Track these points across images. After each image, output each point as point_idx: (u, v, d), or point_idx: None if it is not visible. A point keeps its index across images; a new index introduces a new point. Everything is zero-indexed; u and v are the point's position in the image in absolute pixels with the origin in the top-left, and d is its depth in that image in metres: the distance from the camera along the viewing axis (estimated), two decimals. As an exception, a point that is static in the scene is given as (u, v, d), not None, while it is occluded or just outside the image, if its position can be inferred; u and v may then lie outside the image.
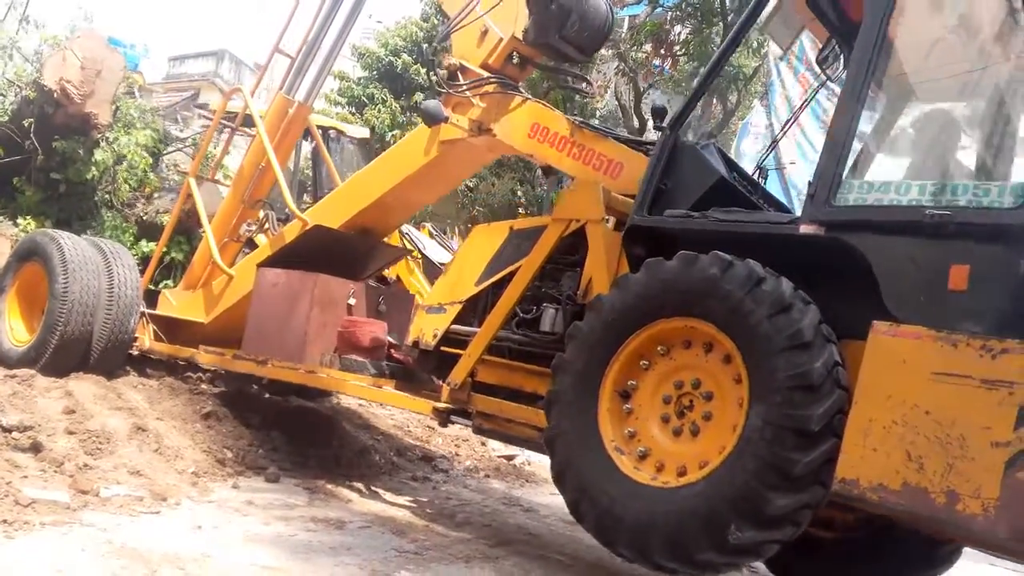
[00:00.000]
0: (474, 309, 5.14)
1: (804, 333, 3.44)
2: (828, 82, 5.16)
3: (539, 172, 16.75)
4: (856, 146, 3.91)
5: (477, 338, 4.81)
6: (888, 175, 4.31)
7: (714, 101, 16.06)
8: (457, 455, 7.19)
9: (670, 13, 14.97)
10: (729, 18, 14.81)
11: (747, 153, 12.54)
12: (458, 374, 4.81)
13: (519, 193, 18.89)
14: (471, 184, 18.59)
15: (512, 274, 4.84)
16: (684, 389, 3.88)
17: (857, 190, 3.75)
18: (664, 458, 3.83)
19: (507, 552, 4.51)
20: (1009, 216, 3.32)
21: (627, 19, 16.55)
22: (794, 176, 10.62)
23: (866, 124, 4.15)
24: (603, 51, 16.74)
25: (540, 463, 7.63)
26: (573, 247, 4.68)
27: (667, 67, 15.26)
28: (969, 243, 3.37)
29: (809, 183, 3.86)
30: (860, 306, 3.49)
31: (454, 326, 5.12)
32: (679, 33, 15.17)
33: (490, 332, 4.75)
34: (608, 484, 3.81)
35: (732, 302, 3.63)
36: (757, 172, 5.17)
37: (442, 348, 5.14)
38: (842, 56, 4.80)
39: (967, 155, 4.10)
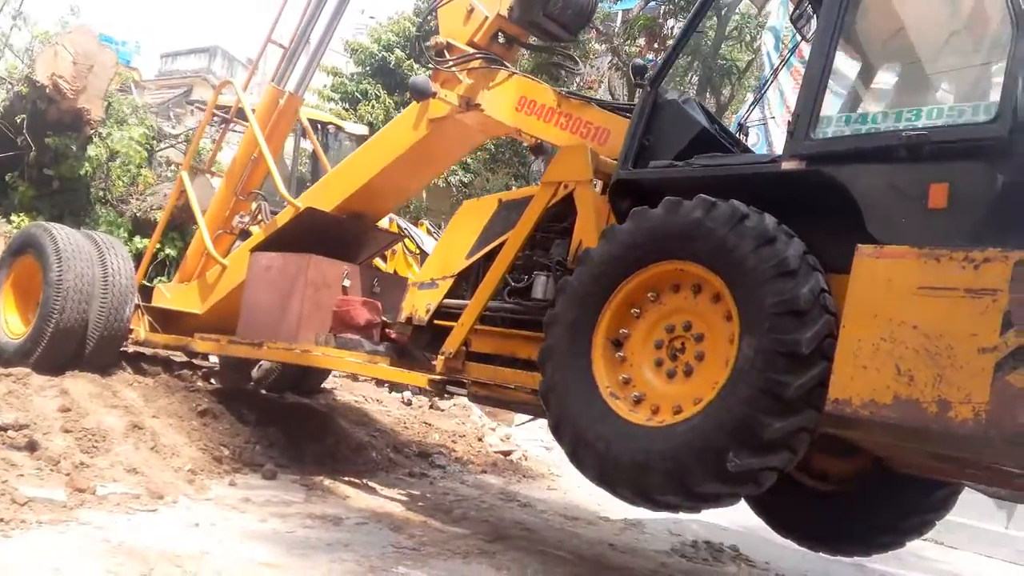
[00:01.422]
0: (466, 282, 5.16)
1: (789, 261, 3.49)
2: (804, 41, 5.20)
3: (532, 168, 16.76)
4: (833, 82, 3.95)
5: (469, 307, 4.83)
6: (866, 108, 4.40)
7: (707, 95, 16.04)
8: (454, 451, 7.19)
9: (663, 7, 14.96)
10: (723, 12, 14.81)
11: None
12: (452, 343, 4.82)
13: (513, 188, 18.88)
14: (465, 180, 18.58)
15: (502, 245, 4.85)
16: (676, 332, 3.91)
17: (836, 123, 3.81)
18: (659, 400, 3.86)
19: (505, 547, 4.51)
20: (984, 131, 3.36)
21: (621, 13, 16.53)
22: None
23: (842, 60, 4.19)
24: (597, 45, 16.76)
25: (537, 458, 7.64)
26: (562, 215, 4.70)
27: (660, 61, 15.24)
28: (946, 162, 3.42)
29: (789, 122, 3.92)
30: (845, 240, 3.51)
31: (447, 300, 5.14)
32: (672, 27, 15.14)
33: (482, 300, 4.78)
34: (604, 428, 3.83)
35: (717, 239, 3.68)
36: (739, 129, 5.21)
37: (435, 322, 5.16)
38: (815, 15, 4.85)
39: (942, 82, 4.20)
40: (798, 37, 5.24)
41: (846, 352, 3.32)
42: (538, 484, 6.84)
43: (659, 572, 4.69)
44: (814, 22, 4.75)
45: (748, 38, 15.55)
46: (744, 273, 3.58)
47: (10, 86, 10.29)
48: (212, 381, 6.69)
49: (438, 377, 4.85)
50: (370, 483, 5.58)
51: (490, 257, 4.96)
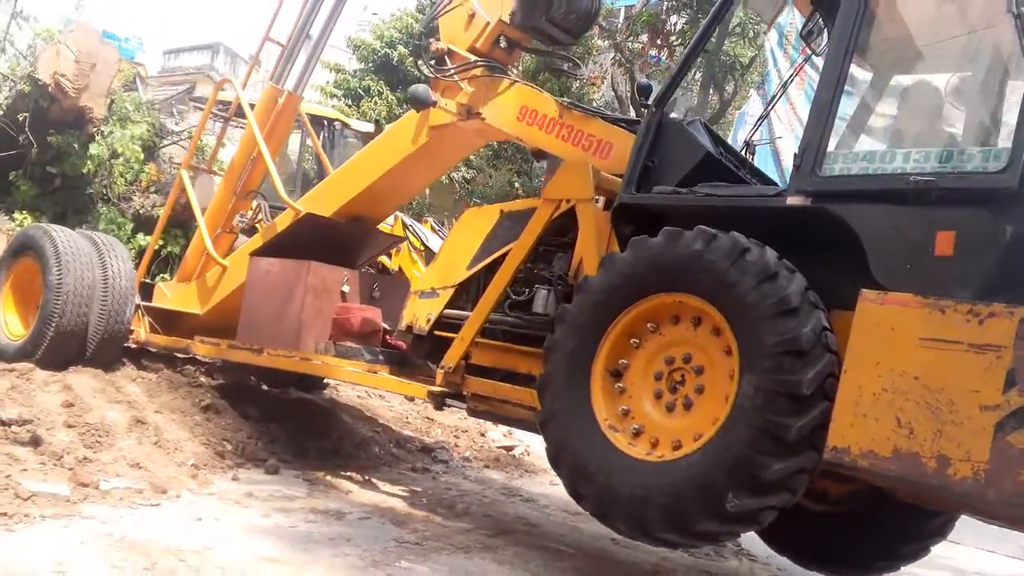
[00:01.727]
0: (466, 293, 5.14)
1: (791, 299, 3.46)
2: (813, 56, 5.17)
3: (535, 164, 16.74)
4: (841, 118, 3.92)
5: (470, 321, 4.82)
6: (873, 146, 4.36)
7: (711, 91, 16.02)
8: (456, 446, 7.20)
9: (666, 3, 14.92)
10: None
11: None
12: (452, 357, 4.81)
13: (516, 184, 18.83)
14: (468, 176, 18.56)
15: (504, 257, 4.84)
16: (675, 364, 3.89)
17: (842, 160, 3.78)
18: (658, 434, 3.84)
19: (506, 542, 4.52)
20: (993, 180, 3.32)
21: (623, 9, 16.49)
22: (785, 153, 10.64)
23: (851, 96, 4.17)
24: (599, 42, 16.73)
25: (539, 453, 7.63)
26: (564, 228, 4.68)
27: (663, 57, 15.20)
28: (954, 209, 3.38)
29: (795, 155, 3.88)
30: (849, 277, 3.50)
31: (447, 310, 5.13)
32: (675, 23, 15.11)
33: (483, 315, 4.77)
34: (604, 461, 3.81)
35: (718, 273, 3.65)
36: (745, 148, 5.19)
37: (436, 333, 5.15)
38: (826, 30, 4.82)
39: (951, 123, 4.12)
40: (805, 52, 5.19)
41: (847, 399, 3.29)
42: (540, 479, 6.84)
43: (661, 567, 4.69)
44: (825, 37, 4.73)
45: (751, 34, 15.51)
46: (745, 309, 3.55)
47: (12, 84, 10.29)
48: (215, 377, 6.70)
49: (437, 390, 4.85)
50: (372, 478, 5.59)
51: (491, 269, 4.95)
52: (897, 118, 4.44)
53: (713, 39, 15.09)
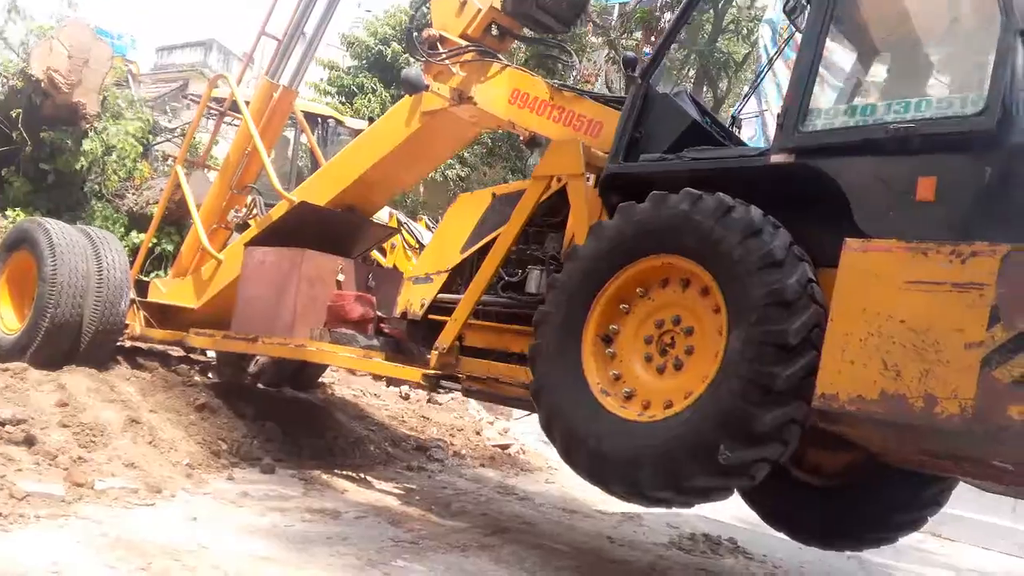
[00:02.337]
0: (460, 277, 5.16)
1: (775, 252, 3.49)
2: (798, 32, 5.19)
3: (529, 161, 16.73)
4: (821, 75, 3.93)
5: (463, 302, 4.82)
6: (853, 100, 4.36)
7: (704, 88, 16.01)
8: (452, 444, 7.19)
9: (660, 0, 14.92)
10: (720, 5, 14.77)
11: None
12: (445, 338, 4.82)
13: (511, 181, 18.85)
14: (463, 174, 18.55)
15: (497, 239, 4.84)
16: (665, 327, 3.91)
17: (824, 116, 3.80)
18: (650, 396, 3.85)
19: (503, 540, 4.52)
20: (971, 123, 3.35)
21: (617, 7, 16.49)
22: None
23: (832, 51, 4.17)
24: (593, 39, 16.73)
25: (534, 451, 7.64)
26: (556, 208, 4.70)
27: (652, 53, 15.20)
28: (934, 155, 3.41)
29: (778, 115, 3.91)
30: (835, 234, 3.50)
31: (441, 294, 5.14)
32: (669, 21, 15.10)
33: (475, 295, 4.77)
34: (596, 425, 3.82)
35: (703, 232, 3.68)
36: (732, 123, 5.21)
37: (430, 317, 5.16)
38: (808, 4, 4.85)
39: (930, 74, 4.16)
40: (793, 29, 5.23)
41: (833, 347, 3.32)
42: (536, 477, 6.84)
43: (657, 565, 4.70)
44: (808, 13, 4.75)
45: (745, 31, 15.51)
46: (731, 265, 3.58)
47: (5, 80, 10.24)
48: (209, 376, 6.69)
49: (432, 372, 4.85)
50: (368, 477, 5.58)
51: (484, 252, 4.95)
52: (877, 73, 4.48)
53: (706, 35, 15.12)
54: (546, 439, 4.22)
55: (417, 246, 9.64)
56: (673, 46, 14.84)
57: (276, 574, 3.45)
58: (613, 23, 16.09)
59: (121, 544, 3.46)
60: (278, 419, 5.94)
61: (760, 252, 3.51)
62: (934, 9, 4.16)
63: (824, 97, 4.14)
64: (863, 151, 3.58)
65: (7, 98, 9.88)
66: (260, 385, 7.12)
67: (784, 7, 5.25)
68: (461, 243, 5.17)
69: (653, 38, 14.58)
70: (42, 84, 9.49)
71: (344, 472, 5.53)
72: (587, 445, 3.82)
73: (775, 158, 3.81)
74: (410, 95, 5.46)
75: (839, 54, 4.53)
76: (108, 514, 3.86)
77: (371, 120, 11.56)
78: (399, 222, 9.63)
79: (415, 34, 5.51)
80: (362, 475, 5.59)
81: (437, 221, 11.81)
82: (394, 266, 9.09)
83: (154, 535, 3.64)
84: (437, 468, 6.42)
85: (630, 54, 4.88)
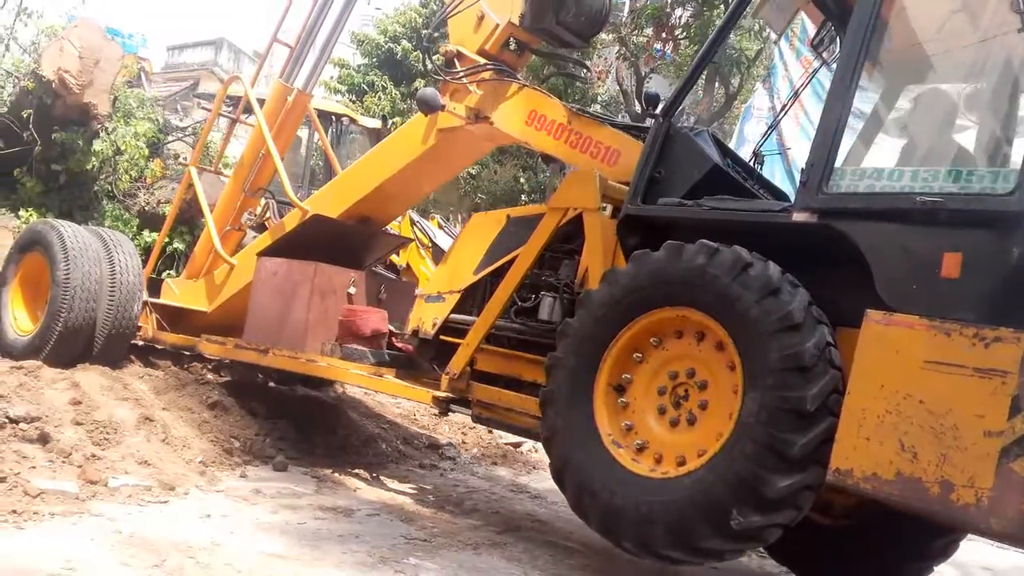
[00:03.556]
0: (472, 298, 5.12)
1: (794, 315, 3.44)
2: (824, 66, 5.12)
3: (541, 158, 16.70)
4: (849, 133, 3.87)
5: (475, 327, 4.81)
6: (881, 162, 4.26)
7: (716, 84, 15.96)
8: (464, 443, 7.19)
9: (670, -4, 14.86)
10: (730, 1, 14.70)
11: (750, 137, 12.46)
12: (457, 363, 4.81)
13: (521, 180, 18.83)
14: (473, 171, 18.53)
15: (510, 263, 4.83)
16: (679, 379, 3.87)
17: (850, 177, 3.73)
18: (662, 449, 3.82)
19: (515, 538, 4.51)
20: (1002, 202, 3.27)
21: (628, 3, 16.44)
22: (798, 160, 10.52)
23: (859, 110, 4.10)
24: (604, 35, 16.62)
25: (546, 449, 7.63)
26: (570, 235, 4.67)
27: (669, 51, 15.13)
28: (961, 230, 3.33)
29: (802, 171, 3.83)
30: (855, 294, 3.46)
31: (453, 315, 5.11)
32: (680, 17, 15.04)
33: (488, 321, 4.76)
34: (608, 478, 3.80)
35: (720, 288, 3.62)
36: (754, 159, 5.14)
37: (441, 337, 5.13)
38: (838, 38, 4.76)
39: (960, 140, 4.04)
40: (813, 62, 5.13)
41: (850, 421, 3.27)
42: (547, 475, 6.78)
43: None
44: (836, 47, 4.68)
45: (757, 27, 15.44)
46: (747, 324, 3.53)
47: (16, 81, 10.29)
48: (222, 374, 6.70)
49: (442, 395, 4.85)
50: (380, 475, 5.58)
51: (497, 274, 4.95)
52: (906, 133, 4.38)
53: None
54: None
55: (430, 244, 9.63)
56: (684, 43, 14.83)
57: (289, 571, 3.45)
58: (624, 19, 16.03)
59: (135, 541, 3.47)
60: (290, 417, 5.95)
61: (778, 314, 3.45)
62: (972, 71, 4.06)
63: (851, 155, 4.05)
64: (889, 218, 3.50)
65: (18, 99, 9.93)
66: (272, 383, 7.13)
67: (810, 41, 5.17)
68: (475, 264, 5.12)
69: (664, 34, 14.53)
70: (53, 84, 9.53)
71: (356, 470, 5.53)
72: (599, 499, 3.80)
73: (797, 216, 3.73)
74: (425, 115, 5.40)
75: (867, 109, 4.40)
76: (122, 511, 3.86)
77: (383, 119, 11.54)
78: (411, 221, 9.62)
79: (432, 51, 5.46)
80: (374, 473, 5.59)
81: (448, 219, 11.83)
82: (407, 265, 9.09)
83: (168, 532, 3.64)
84: (449, 466, 6.42)
85: (652, 91, 4.86)
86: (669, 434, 3.84)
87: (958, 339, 3.09)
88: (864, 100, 4.27)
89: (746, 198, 4.34)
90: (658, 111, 4.51)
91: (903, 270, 3.43)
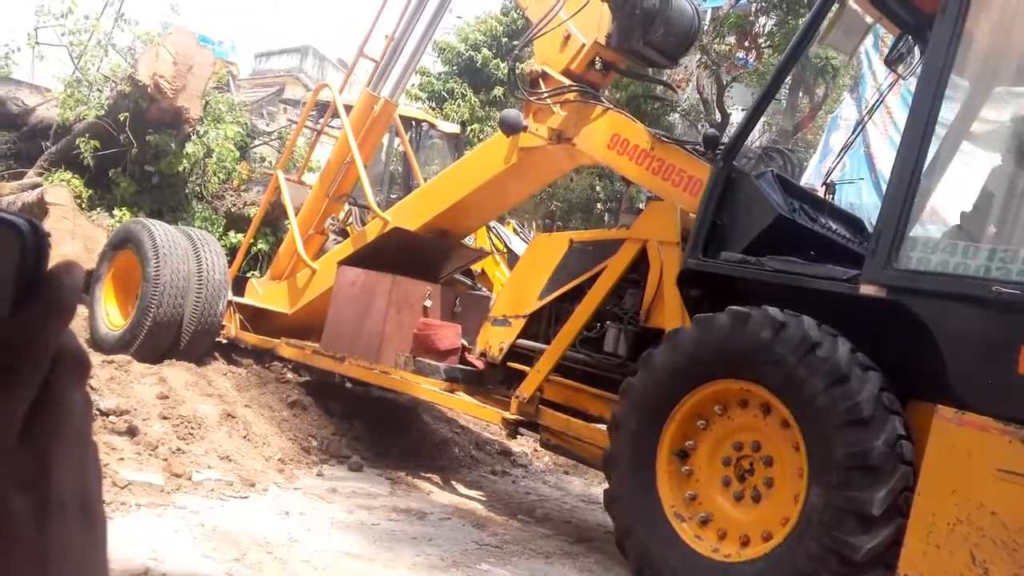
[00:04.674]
0: (538, 323, 5.12)
1: (862, 407, 3.28)
2: (900, 80, 4.94)
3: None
4: (921, 195, 3.63)
5: (546, 355, 4.81)
6: (954, 218, 4.04)
7: (800, 94, 15.64)
8: (536, 451, 7.16)
9: (755, 4, 14.62)
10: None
11: (836, 148, 12.15)
12: (527, 388, 4.83)
13: (598, 188, 18.76)
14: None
15: (575, 288, 4.82)
16: (744, 451, 3.77)
17: (921, 249, 3.49)
18: (726, 525, 3.73)
19: (587, 549, 4.48)
20: None
21: (710, 11, 16.23)
22: (884, 170, 10.19)
23: (932, 169, 3.83)
24: (685, 44, 16.46)
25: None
26: (636, 264, 4.62)
27: (751, 60, 14.91)
28: None
29: (871, 237, 3.68)
30: (927, 365, 3.30)
31: (520, 340, 5.13)
32: (764, 25, 14.80)
33: (559, 350, 4.76)
34: (669, 556, 3.73)
35: (786, 369, 3.49)
36: (825, 190, 4.97)
37: (508, 363, 5.17)
38: (916, 48, 4.56)
39: None
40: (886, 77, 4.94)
41: (919, 525, 3.13)
42: (620, 486, 6.76)
43: None
44: (913, 59, 4.50)
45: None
46: (813, 412, 3.40)
47: (114, 84, 10.67)
48: (301, 373, 6.83)
49: (512, 417, 4.85)
50: (453, 479, 5.61)
51: (562, 299, 4.95)
52: (983, 198, 4.07)
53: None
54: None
55: (505, 251, 9.65)
56: (767, 52, 14.58)
57: (363, 571, 3.50)
58: (705, 27, 15.84)
59: (216, 535, 3.56)
60: (366, 418, 6.04)
61: (845, 405, 3.31)
62: None
63: (922, 218, 3.80)
64: (963, 300, 3.30)
65: (115, 102, 10.28)
66: (349, 384, 7.23)
67: (886, 58, 4.96)
68: (539, 288, 5.12)
69: (747, 43, 14.32)
70: (148, 89, 9.85)
71: (429, 473, 5.58)
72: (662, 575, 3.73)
73: (865, 289, 3.55)
74: (508, 136, 5.41)
75: (940, 166, 4.09)
76: (204, 505, 3.97)
77: (462, 125, 11.61)
78: (487, 227, 9.66)
79: (516, 73, 5.46)
80: (447, 477, 5.62)
81: (523, 225, 11.83)
82: (482, 271, 9.12)
83: (247, 527, 3.73)
84: (521, 473, 6.41)
85: (711, 131, 4.72)
86: (734, 509, 3.75)
87: None
88: (936, 156, 3.93)
89: (815, 246, 4.16)
90: (718, 154, 4.34)
91: (977, 362, 3.24)
